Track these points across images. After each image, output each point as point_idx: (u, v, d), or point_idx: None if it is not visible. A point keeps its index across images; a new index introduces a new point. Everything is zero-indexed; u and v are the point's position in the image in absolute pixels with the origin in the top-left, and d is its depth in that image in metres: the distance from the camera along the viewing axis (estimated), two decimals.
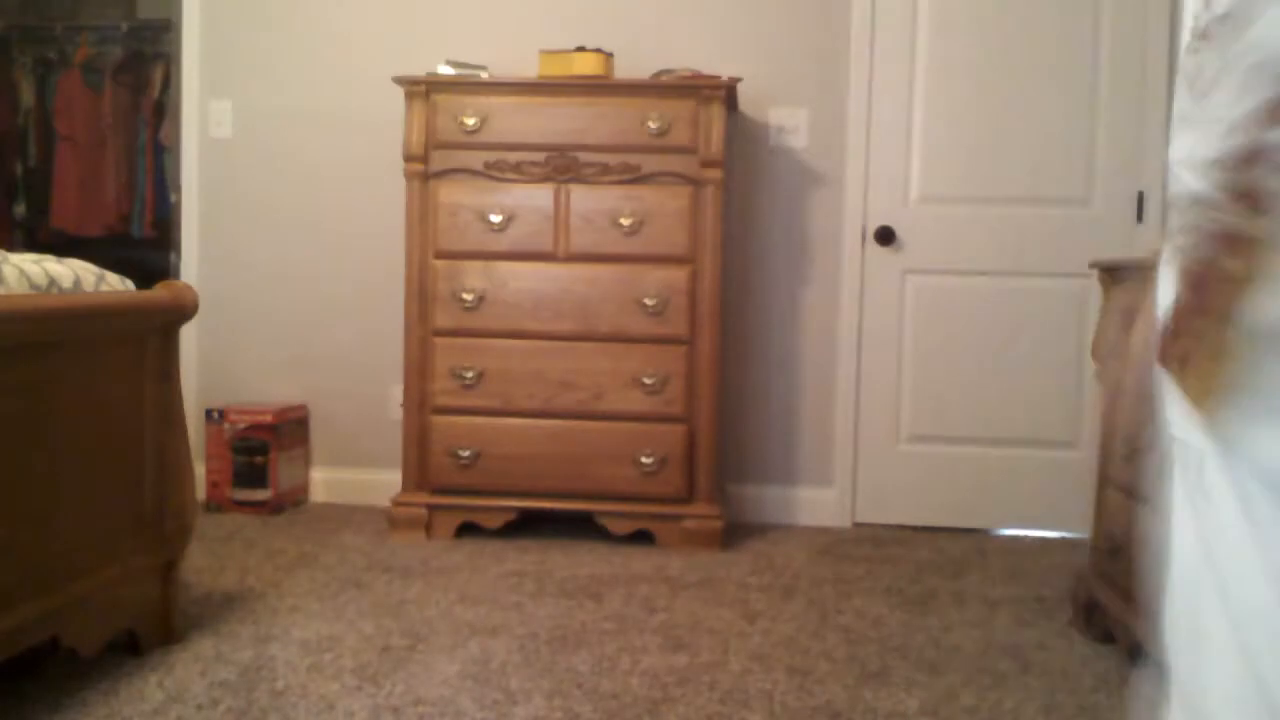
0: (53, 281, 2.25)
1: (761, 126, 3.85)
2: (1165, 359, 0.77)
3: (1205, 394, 0.71)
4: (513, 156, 3.50)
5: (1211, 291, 0.72)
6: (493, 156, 3.50)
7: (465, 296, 3.50)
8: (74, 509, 2.22)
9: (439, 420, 3.53)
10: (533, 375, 3.50)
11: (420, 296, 3.53)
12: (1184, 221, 0.78)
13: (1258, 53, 0.74)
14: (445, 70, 3.57)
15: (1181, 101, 0.85)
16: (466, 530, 3.57)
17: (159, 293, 2.52)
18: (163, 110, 5.00)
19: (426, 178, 3.51)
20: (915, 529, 3.84)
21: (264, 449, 3.81)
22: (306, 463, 4.05)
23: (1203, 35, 0.81)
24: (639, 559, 3.34)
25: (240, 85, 4.05)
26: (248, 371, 4.06)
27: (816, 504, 3.89)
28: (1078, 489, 3.18)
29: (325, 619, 2.73)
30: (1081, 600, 2.80)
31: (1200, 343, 0.72)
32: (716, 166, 3.43)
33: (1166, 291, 0.79)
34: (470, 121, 3.48)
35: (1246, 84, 0.75)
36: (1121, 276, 2.75)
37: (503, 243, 3.50)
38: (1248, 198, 0.72)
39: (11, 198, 5.35)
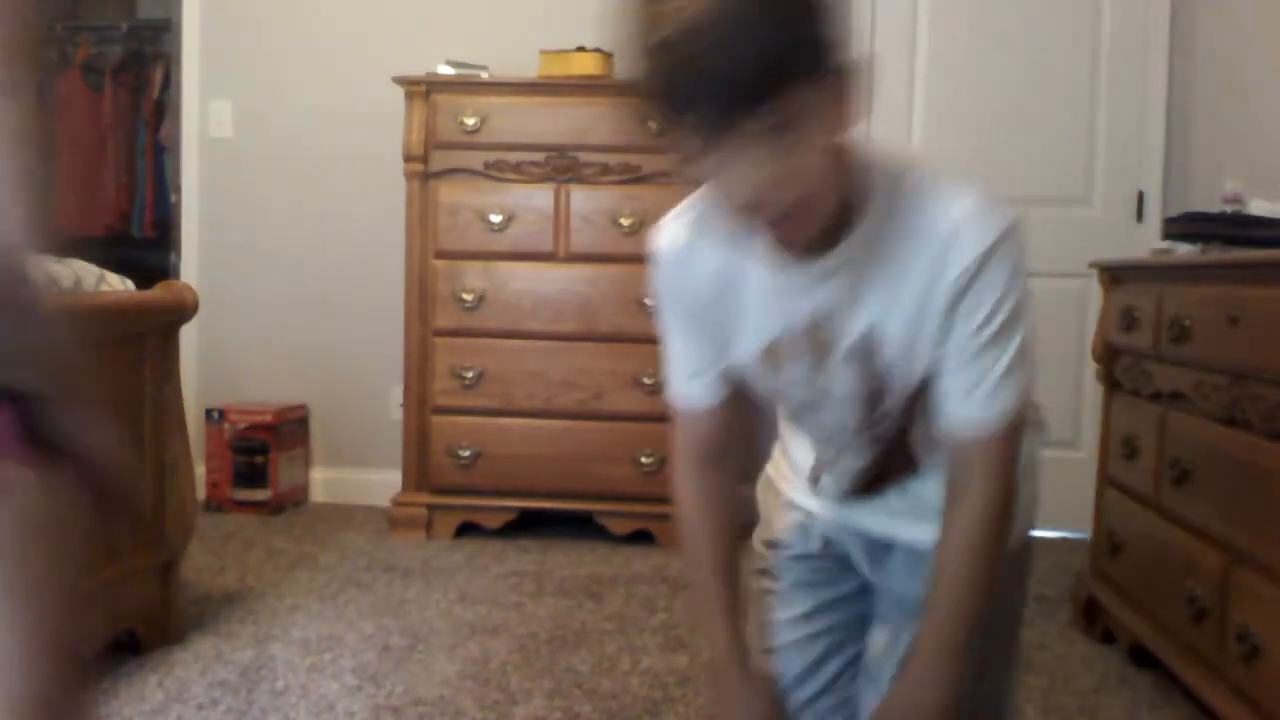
0: (52, 281, 2.25)
1: None
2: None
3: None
4: (513, 156, 3.50)
5: None
6: (493, 156, 3.50)
7: (465, 296, 3.50)
8: None
9: (439, 420, 3.53)
10: (533, 375, 3.50)
11: (420, 296, 3.53)
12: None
13: None
14: (445, 70, 3.57)
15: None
16: (466, 530, 3.57)
17: (159, 293, 2.52)
18: (163, 110, 5.00)
19: (426, 178, 3.51)
20: None
21: (264, 449, 3.81)
22: (306, 463, 4.05)
23: None
24: (639, 559, 3.34)
25: (240, 85, 4.05)
26: (248, 371, 4.06)
27: None
28: (1078, 489, 3.18)
29: (325, 619, 2.73)
30: (1081, 600, 2.80)
31: None
32: None
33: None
34: (470, 121, 3.48)
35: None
36: (1121, 276, 2.75)
37: (503, 243, 3.50)
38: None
39: None
